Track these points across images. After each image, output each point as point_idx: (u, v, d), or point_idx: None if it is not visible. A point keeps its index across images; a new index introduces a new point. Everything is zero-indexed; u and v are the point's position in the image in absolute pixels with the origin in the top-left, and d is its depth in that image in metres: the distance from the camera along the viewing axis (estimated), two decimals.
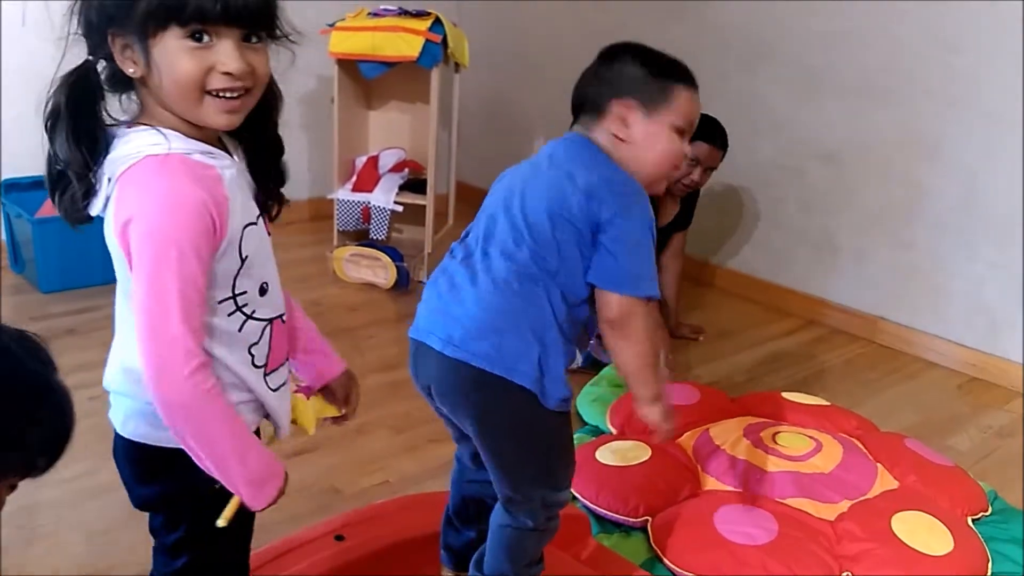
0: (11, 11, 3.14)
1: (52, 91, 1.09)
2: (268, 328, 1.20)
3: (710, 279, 3.67)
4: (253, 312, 1.18)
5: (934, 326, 3.11)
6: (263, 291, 1.19)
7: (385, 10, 3.35)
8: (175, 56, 1.03)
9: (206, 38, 1.03)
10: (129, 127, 1.09)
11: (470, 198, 4.11)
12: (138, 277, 1.04)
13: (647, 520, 2.03)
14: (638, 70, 1.56)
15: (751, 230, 3.57)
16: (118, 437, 1.20)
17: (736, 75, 3.47)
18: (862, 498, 2.07)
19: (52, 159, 1.12)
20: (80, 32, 1.07)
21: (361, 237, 3.50)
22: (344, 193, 3.43)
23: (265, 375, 1.22)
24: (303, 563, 1.75)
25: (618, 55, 1.60)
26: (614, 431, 2.41)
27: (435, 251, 3.50)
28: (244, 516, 1.19)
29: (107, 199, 1.09)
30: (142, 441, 1.17)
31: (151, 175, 1.05)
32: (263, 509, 1.16)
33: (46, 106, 1.10)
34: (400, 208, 3.39)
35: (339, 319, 3.12)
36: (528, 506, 1.52)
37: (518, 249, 1.42)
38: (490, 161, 4.24)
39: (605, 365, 2.77)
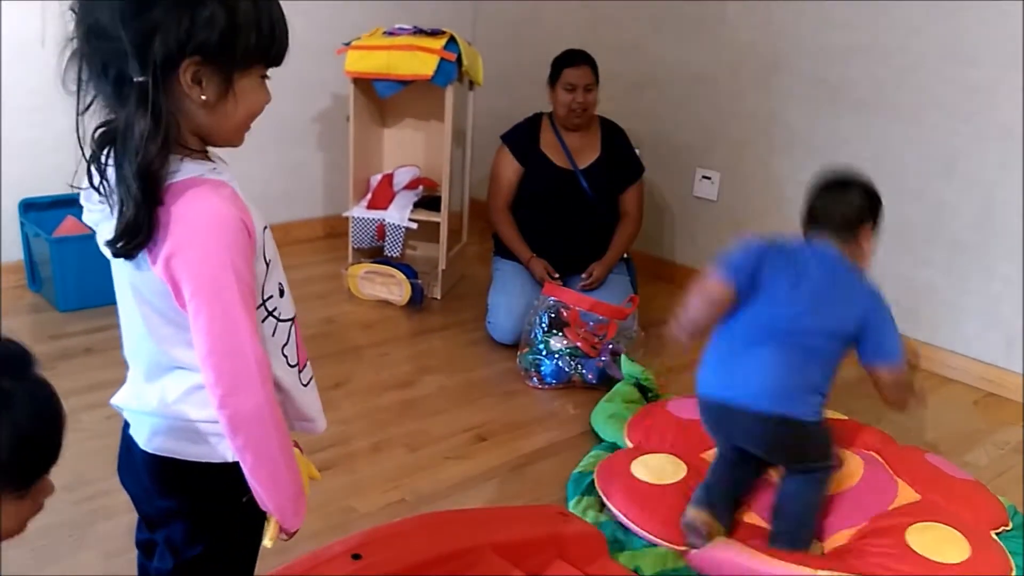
0: (31, 31, 3.17)
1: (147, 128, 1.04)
2: (292, 327, 1.24)
3: None
4: (280, 314, 1.21)
5: (950, 342, 3.09)
6: (282, 292, 1.22)
7: (400, 29, 3.37)
8: (255, 90, 1.12)
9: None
10: None
11: (483, 215, 4.12)
12: (199, 303, 1.06)
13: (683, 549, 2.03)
14: (870, 201, 2.07)
15: None
16: (140, 453, 1.21)
17: (752, 91, 3.47)
18: (878, 514, 2.08)
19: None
20: (132, 44, 1.02)
21: (376, 254, 3.51)
22: (359, 211, 3.44)
23: (299, 373, 1.26)
24: None
25: (853, 184, 2.12)
26: (631, 446, 2.41)
27: (449, 268, 3.50)
28: (257, 535, 1.21)
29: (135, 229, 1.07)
30: (168, 455, 1.18)
31: (187, 201, 1.06)
32: (295, 532, 1.20)
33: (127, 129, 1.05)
34: (414, 225, 3.39)
35: (354, 336, 3.12)
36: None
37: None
38: None
39: (617, 381, 2.77)
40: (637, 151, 3.31)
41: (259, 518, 1.19)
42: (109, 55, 1.05)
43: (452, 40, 3.28)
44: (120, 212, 1.04)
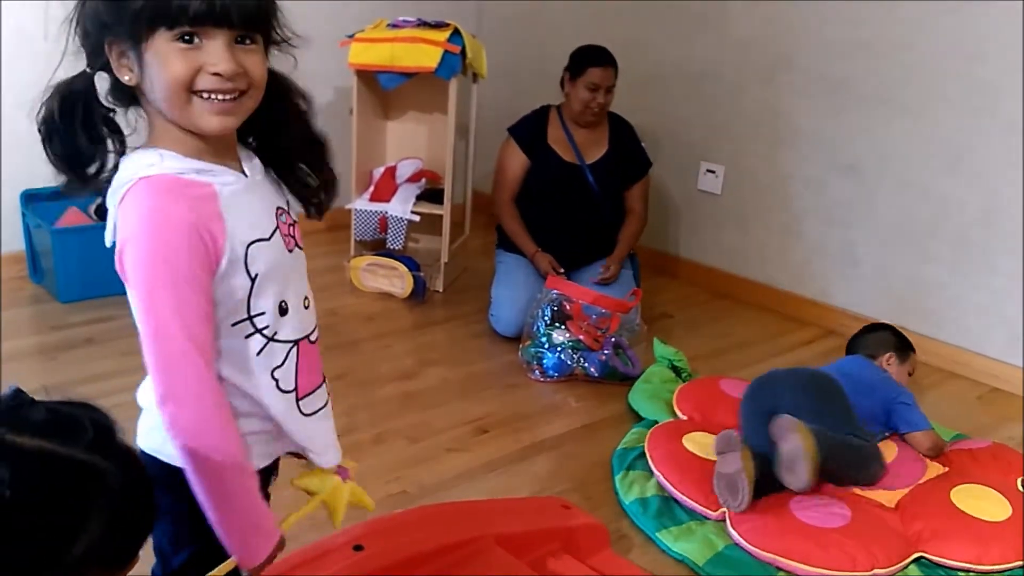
0: (34, 25, 3.17)
1: (45, 98, 1.07)
2: (293, 349, 1.17)
3: (729, 290, 3.64)
4: (274, 333, 1.14)
5: (954, 337, 3.08)
6: (283, 311, 1.15)
7: (404, 21, 3.36)
8: (164, 58, 1.01)
9: (196, 40, 1.01)
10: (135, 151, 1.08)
11: (486, 208, 4.12)
12: (137, 301, 1.04)
13: (724, 513, 2.09)
14: (895, 339, 2.69)
15: (771, 241, 3.54)
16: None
17: (756, 86, 3.46)
18: (917, 483, 2.23)
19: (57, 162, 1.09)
20: (78, 42, 1.05)
21: (378, 247, 3.50)
22: (361, 203, 3.44)
23: (297, 400, 1.19)
24: (321, 574, 1.74)
25: (882, 328, 2.78)
26: (684, 417, 2.53)
27: (451, 261, 3.49)
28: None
29: (114, 227, 1.07)
30: (152, 454, 1.15)
31: (141, 197, 1.03)
32: (253, 570, 1.11)
33: (38, 113, 1.08)
34: (417, 218, 3.39)
35: (355, 329, 3.12)
36: None
37: None
38: None
39: (621, 374, 2.79)
40: (644, 145, 3.30)
41: None
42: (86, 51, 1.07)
43: (456, 32, 3.27)
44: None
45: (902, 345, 2.66)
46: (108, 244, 1.08)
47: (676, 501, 2.16)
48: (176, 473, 1.10)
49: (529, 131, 3.21)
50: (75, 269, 3.07)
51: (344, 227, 3.57)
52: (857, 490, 2.17)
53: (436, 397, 2.67)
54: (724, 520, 2.08)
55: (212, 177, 1.07)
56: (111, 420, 0.88)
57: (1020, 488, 2.20)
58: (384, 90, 3.39)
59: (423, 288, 3.35)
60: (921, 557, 1.97)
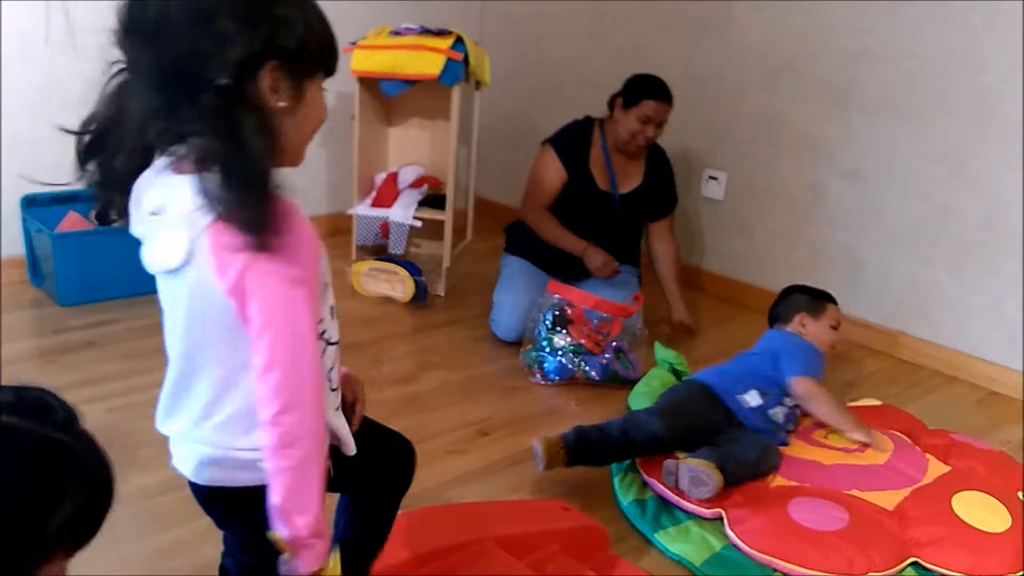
0: (34, 29, 3.18)
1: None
2: (335, 350, 1.22)
3: (732, 295, 3.64)
4: (330, 337, 1.19)
5: (954, 341, 3.08)
6: (333, 314, 1.20)
7: (407, 28, 3.36)
8: (315, 98, 1.11)
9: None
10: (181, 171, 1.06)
11: (489, 213, 4.12)
12: (268, 318, 1.04)
13: (719, 512, 2.08)
14: (804, 296, 2.68)
15: (774, 247, 3.54)
16: (193, 484, 1.22)
17: (758, 92, 3.47)
18: (918, 485, 2.20)
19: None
20: (225, 55, 1.00)
21: (379, 252, 3.50)
22: (363, 209, 3.44)
23: (337, 397, 1.27)
24: None
25: (789, 292, 2.75)
26: None
27: (453, 265, 3.49)
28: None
29: (188, 251, 1.05)
30: (219, 485, 1.19)
31: (297, 219, 1.05)
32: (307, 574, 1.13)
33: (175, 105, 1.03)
34: (419, 223, 3.39)
35: (356, 332, 3.11)
36: None
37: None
38: (509, 177, 4.26)
39: (621, 378, 2.80)
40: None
41: None
42: (177, 60, 1.01)
43: (459, 40, 3.28)
44: (236, 228, 1.00)
45: (812, 302, 2.63)
46: (178, 263, 1.06)
47: (671, 502, 2.15)
48: (239, 497, 1.17)
49: (572, 147, 3.12)
50: (75, 273, 3.08)
51: (346, 232, 3.57)
52: (856, 492, 2.15)
53: (437, 400, 2.67)
54: (721, 520, 2.07)
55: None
56: (71, 404, 0.90)
57: (1022, 498, 2.17)
58: (386, 97, 3.40)
59: (424, 292, 3.34)
60: (916, 563, 1.95)
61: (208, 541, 1.93)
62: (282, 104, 1.06)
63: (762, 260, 3.59)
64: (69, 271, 3.07)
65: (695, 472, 2.08)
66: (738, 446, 2.20)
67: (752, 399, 2.36)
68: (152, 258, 1.11)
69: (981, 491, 2.15)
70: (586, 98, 3.94)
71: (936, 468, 2.29)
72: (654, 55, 3.73)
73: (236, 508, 1.20)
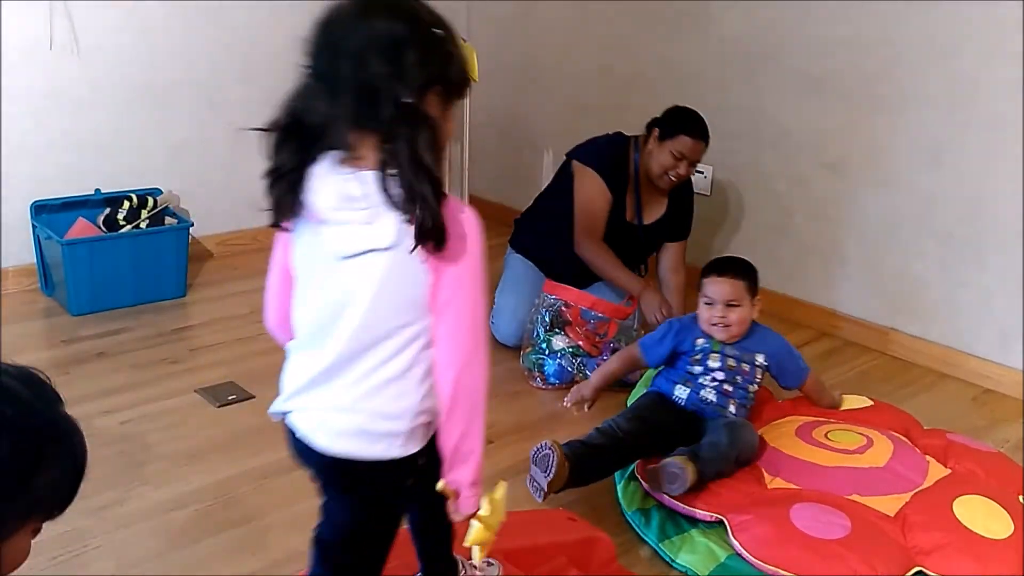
0: (38, 35, 3.20)
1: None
2: None
3: None
4: None
5: (945, 337, 3.11)
6: None
7: None
8: (454, 119, 1.37)
9: None
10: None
11: (482, 211, 4.11)
12: (462, 289, 1.30)
13: (719, 517, 2.11)
14: None
15: (759, 241, 3.57)
16: (321, 457, 1.37)
17: (738, 85, 3.49)
18: (919, 489, 2.20)
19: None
20: (409, 78, 1.23)
21: None
22: None
23: None
24: None
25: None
26: None
27: None
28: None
29: (397, 232, 1.26)
30: (353, 456, 1.35)
31: (470, 212, 1.33)
32: (467, 517, 1.39)
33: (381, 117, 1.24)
34: None
35: None
36: None
37: None
38: (501, 174, 4.29)
39: (620, 380, 2.79)
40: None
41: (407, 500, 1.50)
42: (371, 78, 1.23)
43: None
44: (425, 220, 1.23)
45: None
46: (388, 243, 1.26)
47: (675, 510, 2.18)
48: (367, 469, 1.36)
49: (614, 172, 3.06)
50: (86, 281, 3.12)
51: None
52: (857, 497, 2.16)
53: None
54: (725, 528, 2.09)
55: None
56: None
57: (1023, 503, 2.18)
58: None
59: None
60: (920, 572, 1.97)
61: (219, 560, 2.00)
62: (435, 114, 1.28)
63: (750, 255, 3.59)
64: (79, 279, 3.11)
65: (667, 467, 2.12)
66: (709, 436, 2.25)
67: (681, 392, 2.41)
68: (346, 242, 1.28)
69: (982, 495, 2.16)
70: (575, 92, 3.95)
71: (936, 471, 2.30)
72: (636, 48, 3.74)
73: (362, 479, 1.38)
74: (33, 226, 3.23)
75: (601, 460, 2.23)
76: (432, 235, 1.24)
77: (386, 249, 1.26)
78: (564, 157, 3.21)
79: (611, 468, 2.29)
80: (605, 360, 2.85)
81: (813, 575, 1.93)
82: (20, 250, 3.28)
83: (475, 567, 1.88)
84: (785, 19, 3.31)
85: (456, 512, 1.40)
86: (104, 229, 3.27)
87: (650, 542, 2.11)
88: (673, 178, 3.01)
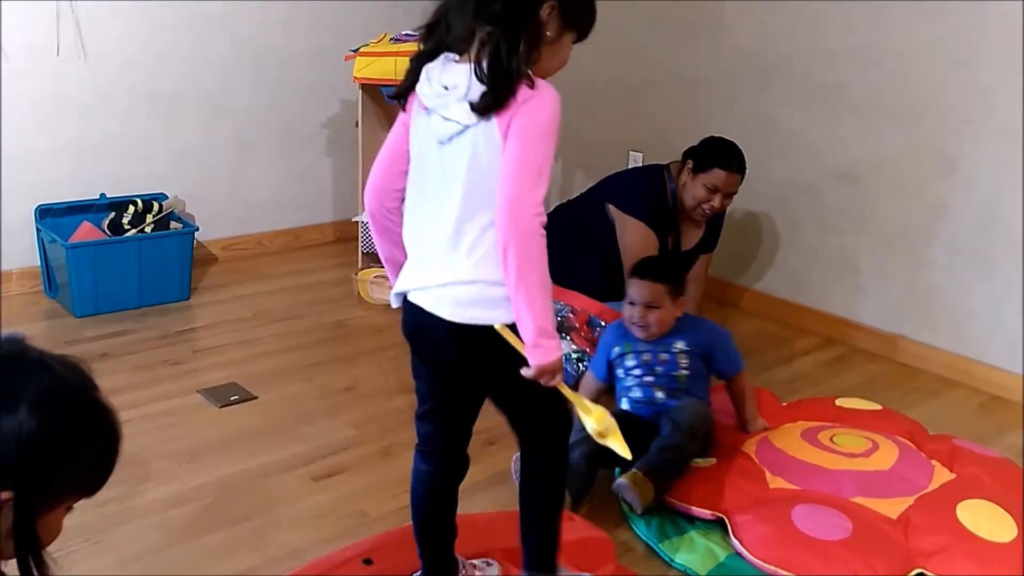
0: (45, 41, 3.23)
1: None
2: None
3: (728, 298, 3.68)
4: None
5: (954, 345, 3.10)
6: None
7: (407, 35, 3.41)
8: (568, 48, 1.55)
9: None
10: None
11: None
12: (519, 145, 1.42)
13: (721, 517, 2.11)
14: None
15: (769, 250, 3.57)
16: (441, 326, 1.51)
17: (749, 95, 3.50)
18: (923, 492, 2.19)
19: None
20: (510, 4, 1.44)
21: None
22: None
23: None
24: None
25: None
26: None
27: None
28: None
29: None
30: (476, 323, 1.49)
31: (538, 90, 1.45)
32: (539, 367, 1.47)
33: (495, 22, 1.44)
34: None
35: (364, 341, 3.16)
36: None
37: None
38: None
39: None
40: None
41: None
42: None
43: None
44: (492, 89, 1.41)
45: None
46: (473, 121, 1.45)
47: (675, 510, 2.18)
48: (486, 334, 1.49)
49: (655, 215, 2.99)
50: (89, 284, 3.13)
51: (351, 239, 3.62)
52: (860, 499, 2.15)
53: None
54: (725, 526, 2.09)
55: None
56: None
57: None
58: (388, 103, 3.44)
59: None
60: (921, 574, 1.96)
61: (217, 556, 2.00)
62: (548, 34, 1.47)
63: (758, 263, 3.62)
64: (83, 282, 3.12)
65: (618, 489, 2.15)
66: (657, 437, 2.26)
67: (626, 404, 2.45)
68: (444, 126, 1.47)
69: (986, 500, 2.14)
70: (582, 101, 3.97)
71: (941, 475, 2.28)
72: (646, 58, 3.75)
73: (484, 344, 1.49)
74: (37, 229, 3.25)
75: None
76: (503, 98, 1.41)
77: (472, 127, 1.44)
78: (601, 198, 3.10)
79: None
80: None
81: (812, 575, 1.93)
82: (24, 253, 3.30)
83: (475, 566, 1.88)
84: (797, 29, 3.32)
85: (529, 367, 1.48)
86: (109, 233, 3.29)
87: (649, 542, 2.10)
88: (707, 210, 2.96)
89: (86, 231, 3.24)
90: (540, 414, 1.68)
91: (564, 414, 1.69)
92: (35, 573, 0.97)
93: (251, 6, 3.65)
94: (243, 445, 2.43)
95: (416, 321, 1.57)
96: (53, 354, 1.02)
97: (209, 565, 1.96)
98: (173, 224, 3.43)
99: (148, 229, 3.34)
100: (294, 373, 2.87)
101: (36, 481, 0.95)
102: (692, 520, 2.15)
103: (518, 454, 2.09)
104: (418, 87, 1.52)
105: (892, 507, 2.14)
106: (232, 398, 2.66)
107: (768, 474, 2.28)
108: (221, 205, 3.73)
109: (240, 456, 2.38)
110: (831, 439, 2.40)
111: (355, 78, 3.36)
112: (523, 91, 1.43)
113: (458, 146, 1.47)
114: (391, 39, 3.42)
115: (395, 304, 1.62)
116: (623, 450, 1.56)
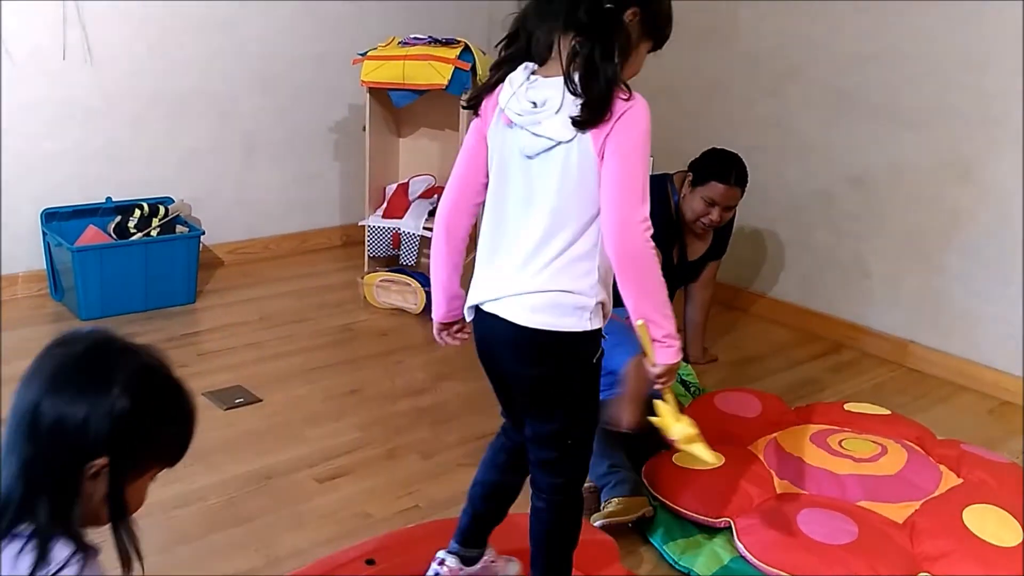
0: (52, 45, 3.23)
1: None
2: None
3: (739, 303, 3.66)
4: None
5: (965, 350, 3.08)
6: None
7: (415, 39, 3.40)
8: (643, 56, 1.55)
9: None
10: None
11: None
12: (620, 163, 1.44)
13: (728, 521, 2.09)
14: None
15: (781, 254, 3.56)
16: (515, 333, 1.52)
17: (764, 99, 3.49)
18: (929, 497, 2.19)
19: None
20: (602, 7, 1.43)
21: (391, 263, 3.54)
22: (375, 220, 3.48)
23: None
24: None
25: None
26: None
27: (465, 275, 3.51)
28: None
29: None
30: (548, 328, 1.50)
31: (631, 103, 1.46)
32: (666, 366, 1.51)
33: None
34: (430, 234, 3.41)
35: (369, 344, 3.15)
36: None
37: None
38: None
39: None
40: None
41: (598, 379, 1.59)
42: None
43: (466, 49, 3.31)
44: (592, 102, 1.42)
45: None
46: (570, 136, 1.46)
47: (682, 517, 2.16)
48: (558, 340, 1.51)
49: (659, 231, 2.98)
50: (95, 287, 3.12)
51: (358, 243, 3.61)
52: (866, 503, 2.15)
53: (448, 412, 2.70)
54: (730, 529, 2.08)
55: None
56: None
57: None
58: (396, 107, 3.44)
59: None
60: None
61: (221, 556, 1.99)
62: (633, 36, 1.46)
63: (770, 268, 3.61)
64: (89, 285, 3.12)
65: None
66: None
67: None
68: (532, 141, 1.47)
69: (993, 504, 2.13)
70: None
71: (948, 480, 2.27)
72: (661, 62, 3.70)
73: (555, 350, 1.51)
74: (43, 233, 3.25)
75: None
76: (600, 114, 1.41)
77: (565, 143, 1.44)
78: None
79: None
80: None
81: None
82: (30, 256, 3.30)
83: (493, 561, 1.86)
84: (813, 34, 3.31)
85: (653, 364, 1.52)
86: (115, 237, 3.29)
87: (654, 544, 2.08)
88: (706, 224, 2.89)
89: (92, 235, 3.24)
90: (574, 440, 1.64)
91: (588, 452, 1.70)
92: (124, 536, 1.10)
93: (258, 9, 3.66)
94: (248, 447, 2.42)
95: (488, 333, 1.59)
96: (136, 343, 1.14)
97: (213, 565, 1.95)
98: (179, 228, 3.43)
99: (154, 233, 3.34)
100: (299, 376, 2.86)
101: (127, 451, 1.07)
102: (697, 522, 2.13)
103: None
104: (501, 98, 1.50)
105: (898, 511, 2.13)
106: (237, 400, 2.66)
107: (776, 478, 2.26)
108: (227, 209, 3.73)
109: (245, 457, 2.37)
110: (840, 443, 2.39)
111: (363, 82, 3.35)
112: (618, 103, 1.43)
113: (547, 161, 1.47)
114: (399, 42, 3.42)
115: (469, 317, 1.65)
116: (709, 455, 1.58)
